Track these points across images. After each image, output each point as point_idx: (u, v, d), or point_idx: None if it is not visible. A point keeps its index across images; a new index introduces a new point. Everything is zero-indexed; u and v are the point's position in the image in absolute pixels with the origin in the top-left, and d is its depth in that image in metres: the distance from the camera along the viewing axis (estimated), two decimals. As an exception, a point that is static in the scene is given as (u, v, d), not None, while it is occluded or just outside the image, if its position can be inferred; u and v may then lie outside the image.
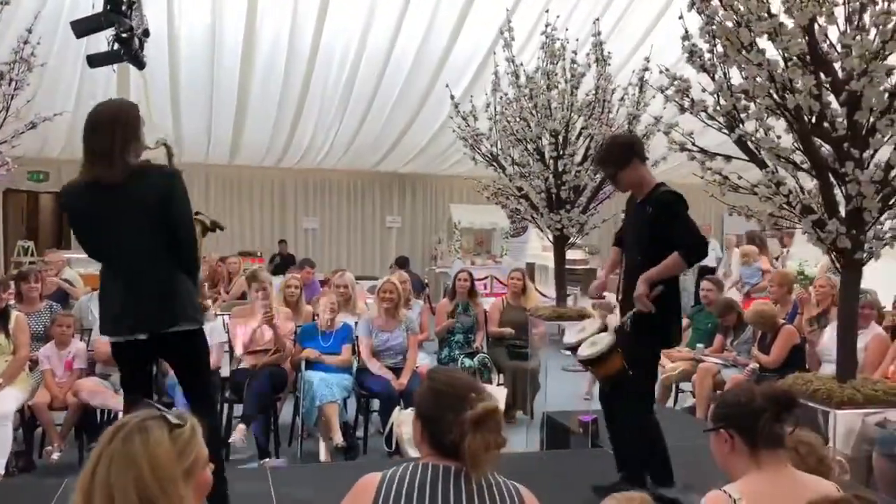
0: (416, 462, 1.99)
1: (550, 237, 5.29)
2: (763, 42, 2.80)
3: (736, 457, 2.15)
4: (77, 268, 8.69)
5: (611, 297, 4.97)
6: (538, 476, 3.60)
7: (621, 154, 3.84)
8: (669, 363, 6.64)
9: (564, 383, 7.83)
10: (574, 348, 4.05)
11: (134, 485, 1.44)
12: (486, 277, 11.82)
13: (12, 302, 5.59)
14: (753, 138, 2.90)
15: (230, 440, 5.22)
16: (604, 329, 4.01)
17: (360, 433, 5.79)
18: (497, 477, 1.99)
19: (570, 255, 11.35)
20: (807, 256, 9.08)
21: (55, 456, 5.18)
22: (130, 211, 3.20)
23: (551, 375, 5.96)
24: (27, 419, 5.31)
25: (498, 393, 6.41)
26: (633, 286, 3.70)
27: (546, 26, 5.03)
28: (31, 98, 5.21)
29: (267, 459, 5.22)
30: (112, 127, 3.27)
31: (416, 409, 2.06)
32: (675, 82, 3.24)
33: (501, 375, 6.69)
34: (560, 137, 5.01)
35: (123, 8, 6.85)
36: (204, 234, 3.80)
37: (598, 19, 5.19)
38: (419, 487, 1.90)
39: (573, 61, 5.07)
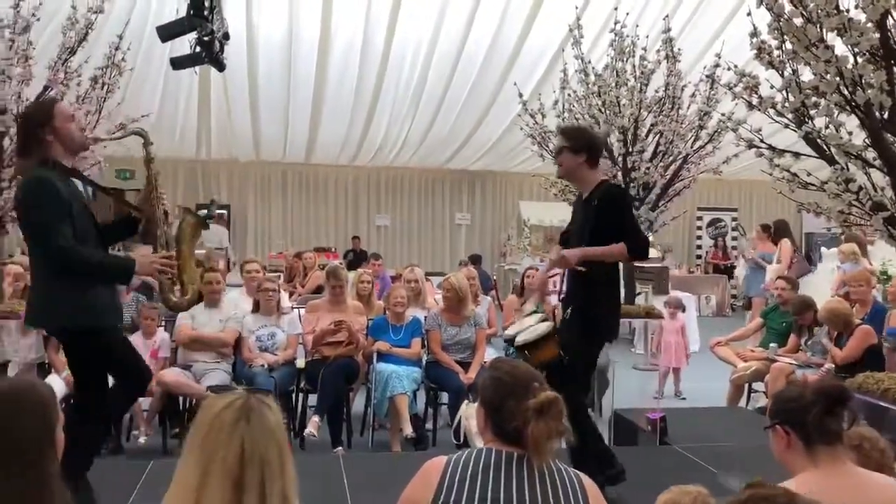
0: (480, 448, 2.07)
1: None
2: (832, 37, 2.77)
3: (792, 453, 2.16)
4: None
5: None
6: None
7: (579, 141, 3.96)
8: (741, 362, 6.54)
9: (634, 381, 7.80)
10: (512, 340, 4.15)
11: (277, 452, 1.57)
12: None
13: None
14: (822, 135, 2.88)
15: (305, 430, 5.40)
16: (544, 320, 4.09)
17: (429, 425, 5.91)
18: (559, 464, 2.06)
19: (643, 252, 11.24)
20: (890, 255, 8.79)
21: (142, 440, 5.44)
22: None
23: (621, 373, 5.95)
24: (116, 405, 5.61)
25: (566, 390, 6.45)
26: (576, 284, 3.87)
27: (615, 24, 5.03)
28: (121, 101, 5.48)
29: (339, 448, 5.39)
30: (18, 126, 3.47)
31: (480, 397, 2.14)
32: (744, 79, 3.23)
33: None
34: (629, 134, 5.00)
35: (205, 13, 7.13)
36: (197, 230, 3.80)
37: (668, 16, 5.16)
38: (483, 471, 1.98)
39: (643, 58, 5.05)
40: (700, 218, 16.62)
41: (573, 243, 4.07)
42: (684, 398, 7.52)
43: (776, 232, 9.67)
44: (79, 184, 3.42)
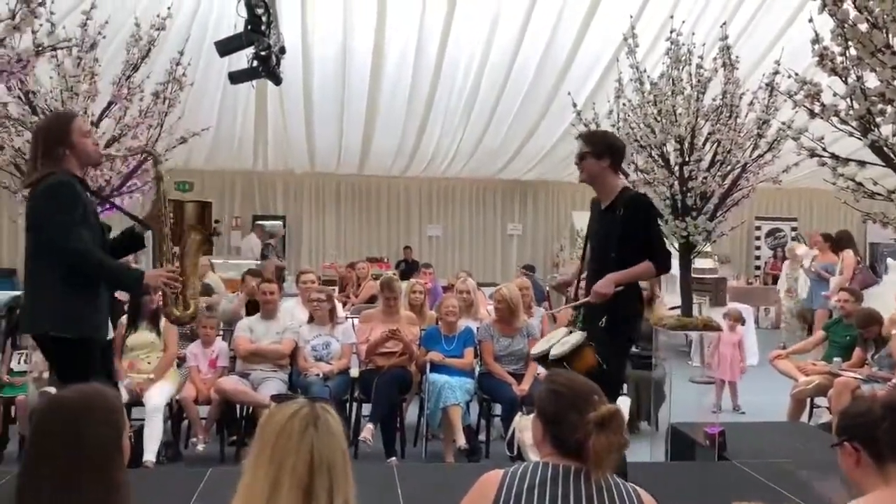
0: (537, 462, 2.06)
1: (676, 245, 5.21)
2: (900, 43, 2.70)
3: (863, 471, 2.09)
4: (219, 272, 9.27)
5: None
6: (663, 487, 3.58)
7: (602, 145, 3.94)
8: (803, 376, 6.37)
9: (691, 395, 7.66)
10: (541, 358, 4.10)
11: (342, 458, 1.62)
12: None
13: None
14: (889, 143, 2.79)
15: (359, 438, 5.44)
16: (571, 332, 4.04)
17: (482, 437, 5.89)
18: (616, 479, 2.03)
19: (699, 263, 11.07)
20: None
21: (200, 447, 5.52)
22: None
23: (677, 386, 5.85)
24: (175, 412, 5.72)
25: (622, 403, 6.35)
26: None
27: (671, 32, 4.97)
28: (182, 115, 5.62)
29: (393, 458, 5.40)
30: (35, 137, 3.47)
31: (537, 410, 2.12)
32: (805, 87, 3.16)
33: (625, 385, 6.63)
34: (686, 143, 4.93)
35: (262, 27, 7.28)
36: (201, 247, 3.88)
37: (725, 24, 5.08)
38: (540, 484, 1.96)
39: (700, 66, 4.98)
40: (759, 228, 16.27)
41: (595, 255, 4.07)
42: (743, 412, 7.36)
43: (838, 242, 9.44)
44: (89, 196, 3.52)
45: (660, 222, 5.19)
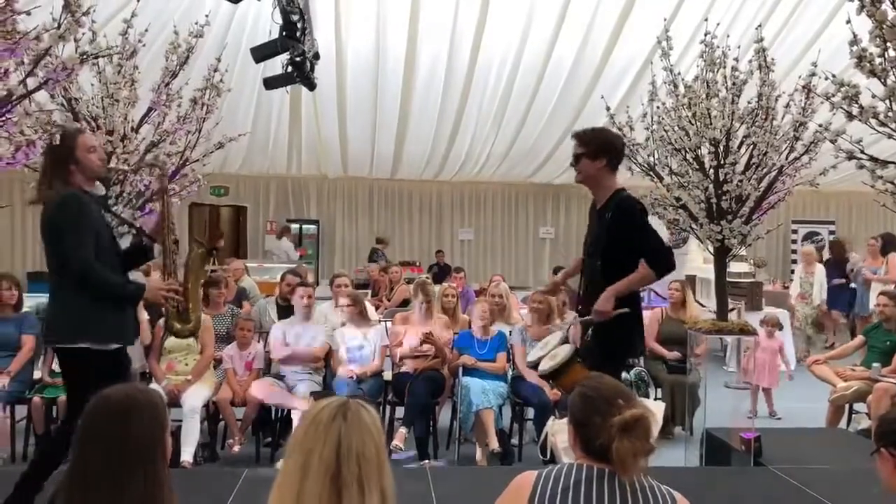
0: (571, 463, 2.07)
1: (711, 249, 5.17)
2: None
3: None
4: (254, 276, 9.38)
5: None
6: (697, 492, 3.54)
7: (596, 144, 3.88)
8: (841, 382, 6.28)
9: (726, 400, 7.57)
10: (537, 365, 4.07)
11: (375, 449, 1.64)
12: (644, 290, 11.60)
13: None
14: (930, 145, 2.77)
15: (392, 442, 5.47)
16: (565, 341, 3.99)
17: (514, 440, 5.89)
18: (651, 481, 2.03)
19: (735, 267, 10.96)
20: None
21: (236, 448, 5.60)
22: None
23: (713, 391, 5.79)
24: (212, 413, 5.80)
25: (655, 407, 6.30)
26: (595, 291, 3.78)
27: (706, 34, 4.94)
28: (219, 121, 5.71)
29: (427, 461, 5.43)
30: (44, 155, 3.58)
31: (570, 414, 2.13)
32: (843, 89, 3.13)
33: (660, 390, 6.59)
34: (720, 146, 4.89)
35: (297, 34, 7.39)
36: (204, 261, 4.01)
37: (760, 25, 5.03)
38: (574, 486, 1.97)
39: (734, 69, 4.94)
40: (795, 231, 16.05)
41: (589, 259, 4.03)
42: (779, 418, 7.26)
43: (884, 246, 9.30)
44: (102, 212, 3.66)
45: (693, 226, 5.18)
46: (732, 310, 7.86)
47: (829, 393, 6.32)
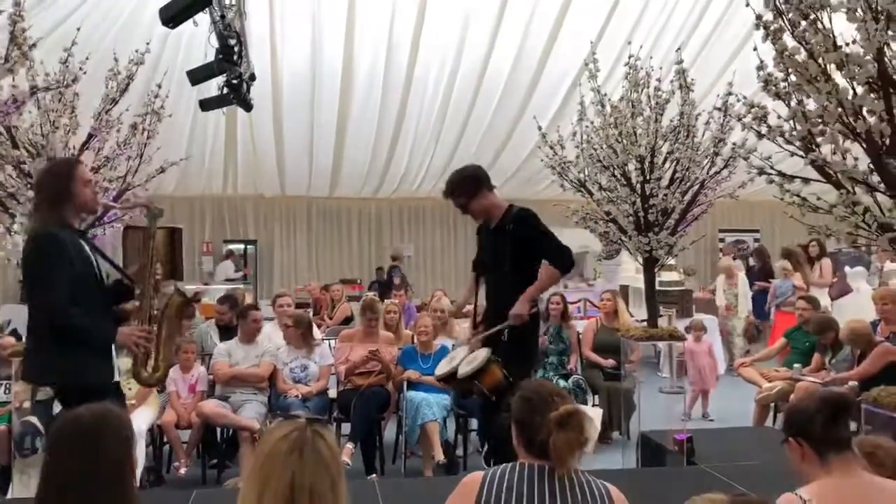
0: (514, 462, 2.23)
1: (640, 259, 5.44)
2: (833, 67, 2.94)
3: (807, 464, 2.29)
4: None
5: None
6: (634, 492, 3.73)
7: (469, 185, 4.30)
8: (766, 383, 6.61)
9: (660, 404, 7.87)
10: (446, 378, 4.36)
11: (329, 484, 1.71)
12: (579, 300, 11.91)
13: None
14: (827, 162, 3.03)
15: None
16: (473, 351, 4.30)
17: (459, 451, 6.04)
18: (588, 476, 2.21)
19: (666, 276, 11.33)
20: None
21: (182, 471, 5.61)
22: None
23: (648, 397, 6.06)
24: (156, 437, 5.80)
25: (593, 413, 6.54)
26: (502, 302, 4.11)
27: (629, 57, 5.22)
28: (161, 146, 5.74)
29: (373, 475, 5.53)
30: (37, 183, 3.55)
31: (512, 416, 2.30)
32: (753, 109, 3.41)
33: (597, 396, 6.82)
34: (646, 162, 5.17)
35: (233, 57, 7.44)
36: (180, 311, 3.89)
37: (679, 48, 5.35)
38: (517, 483, 2.13)
39: (657, 89, 5.23)
40: (722, 240, 16.64)
41: (491, 274, 4.38)
42: (712, 419, 7.58)
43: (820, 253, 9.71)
44: (85, 245, 3.51)
45: (623, 238, 5.44)
46: (662, 316, 8.19)
47: (756, 393, 6.66)
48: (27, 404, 5.24)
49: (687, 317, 10.03)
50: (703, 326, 7.88)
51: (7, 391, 5.64)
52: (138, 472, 5.27)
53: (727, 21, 9.51)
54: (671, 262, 12.80)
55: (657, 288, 10.44)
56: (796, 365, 6.56)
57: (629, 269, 12.69)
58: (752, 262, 12.49)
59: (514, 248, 4.11)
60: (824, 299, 8.97)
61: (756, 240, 16.50)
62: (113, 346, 3.56)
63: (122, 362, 4.31)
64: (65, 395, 3.47)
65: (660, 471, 5.18)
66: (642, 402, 6.08)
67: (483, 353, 4.14)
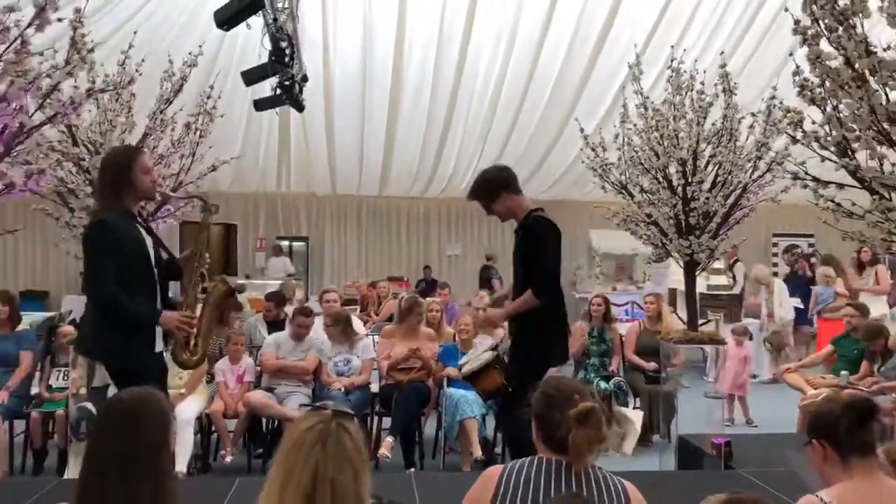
0: (533, 457, 2.30)
1: (681, 262, 5.44)
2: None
3: (830, 467, 2.30)
4: (249, 293, 9.57)
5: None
6: (668, 495, 3.76)
7: (490, 189, 4.25)
8: (812, 389, 6.52)
9: (704, 409, 7.80)
10: (468, 376, 4.37)
11: (352, 476, 1.75)
12: (626, 303, 11.85)
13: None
14: (860, 168, 3.02)
15: (379, 451, 5.67)
16: (493, 349, 4.31)
17: (498, 449, 6.09)
18: (604, 472, 2.26)
19: (715, 280, 11.20)
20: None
21: (228, 459, 5.77)
22: None
23: (691, 401, 6.02)
24: (204, 426, 5.99)
25: (634, 416, 6.53)
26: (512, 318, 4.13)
27: (672, 60, 5.23)
28: (212, 145, 5.94)
29: (412, 469, 5.63)
30: (101, 169, 3.69)
31: (532, 412, 2.37)
32: (789, 115, 3.40)
33: (638, 399, 6.81)
34: (688, 165, 5.17)
35: (286, 59, 7.64)
36: (223, 300, 4.02)
37: (723, 52, 5.33)
38: (535, 477, 2.20)
39: (701, 92, 5.22)
40: (776, 244, 16.35)
41: (514, 271, 4.37)
42: (756, 426, 7.49)
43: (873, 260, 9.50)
44: (140, 229, 3.68)
45: (665, 241, 5.44)
46: (710, 321, 8.12)
47: (800, 400, 6.57)
48: (83, 390, 5.50)
49: (736, 321, 9.89)
50: (747, 331, 7.78)
51: (65, 378, 5.91)
52: (186, 459, 5.47)
53: (777, 27, 9.38)
54: (719, 265, 12.66)
55: (706, 292, 10.35)
56: (843, 372, 6.45)
57: (678, 273, 12.55)
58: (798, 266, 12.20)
59: (521, 256, 4.15)
60: (881, 307, 8.75)
61: (811, 245, 16.16)
62: (157, 329, 3.72)
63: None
64: (113, 374, 3.68)
65: (696, 474, 5.17)
66: (686, 406, 6.05)
67: (486, 357, 4.22)
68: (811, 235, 16.34)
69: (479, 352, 4.46)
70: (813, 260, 12.46)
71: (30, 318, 7.50)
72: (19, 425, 5.93)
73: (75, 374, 5.66)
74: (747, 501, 2.20)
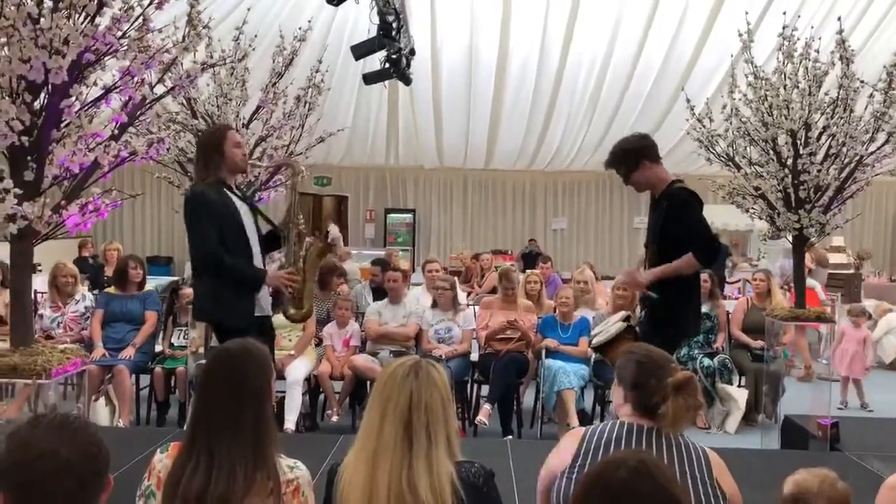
0: (616, 420, 2.34)
1: (790, 237, 5.24)
2: None
3: None
4: (356, 261, 9.93)
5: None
6: (768, 472, 3.69)
7: (631, 157, 4.08)
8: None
9: (813, 390, 7.54)
10: (598, 347, 4.23)
11: (441, 402, 1.98)
12: (738, 280, 11.51)
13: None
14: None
15: (477, 417, 5.81)
16: (625, 319, 4.14)
17: (596, 422, 6.11)
18: (687, 438, 2.28)
19: (835, 258, 10.72)
20: None
21: (334, 419, 6.06)
22: None
23: (802, 382, 5.85)
24: (312, 387, 6.29)
25: (738, 394, 6.41)
26: (653, 286, 3.97)
27: (784, 28, 5.02)
28: (321, 117, 6.15)
29: (509, 436, 5.74)
30: (197, 145, 3.95)
31: (618, 378, 2.40)
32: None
33: (744, 378, 6.66)
34: (798, 137, 4.96)
35: (393, 33, 7.79)
36: (321, 255, 4.20)
37: (840, 18, 5.06)
38: (616, 440, 2.25)
39: (816, 60, 4.99)
40: (905, 221, 15.43)
41: (649, 241, 4.23)
42: (871, 410, 7.19)
43: None
44: (237, 200, 3.93)
45: (773, 214, 5.25)
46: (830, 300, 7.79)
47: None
48: (202, 349, 5.87)
49: (854, 302, 9.46)
50: (865, 312, 7.44)
51: (185, 337, 6.32)
52: (294, 417, 5.77)
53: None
54: (839, 243, 12.08)
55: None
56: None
57: (795, 250, 12.11)
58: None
59: (663, 227, 4.00)
60: None
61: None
62: (260, 295, 3.97)
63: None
64: (220, 334, 3.94)
65: (798, 453, 5.04)
66: (795, 387, 5.88)
67: (616, 326, 4.15)
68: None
69: (611, 322, 4.41)
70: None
71: (155, 282, 8.02)
72: (144, 379, 6.40)
73: (194, 334, 6.04)
74: (816, 478, 2.19)
